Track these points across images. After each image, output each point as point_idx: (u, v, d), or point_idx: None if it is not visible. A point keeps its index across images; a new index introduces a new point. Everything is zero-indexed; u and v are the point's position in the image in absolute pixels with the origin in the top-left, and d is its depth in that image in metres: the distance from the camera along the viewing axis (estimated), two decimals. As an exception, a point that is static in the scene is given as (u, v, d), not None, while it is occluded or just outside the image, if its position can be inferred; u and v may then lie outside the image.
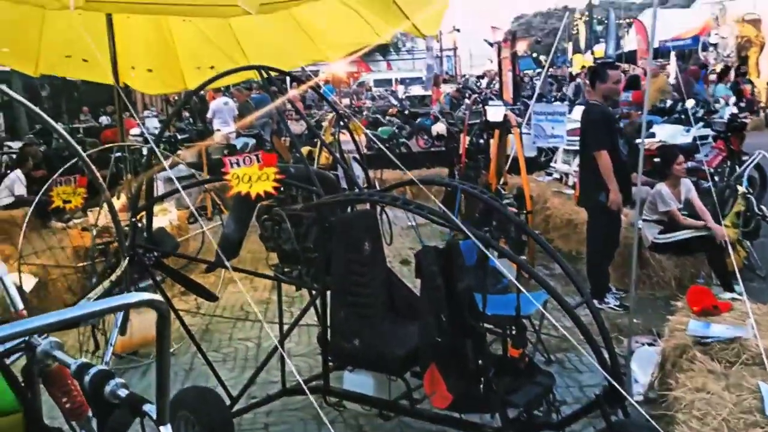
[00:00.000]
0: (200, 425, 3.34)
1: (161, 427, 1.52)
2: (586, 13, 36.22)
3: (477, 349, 3.20)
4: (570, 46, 37.86)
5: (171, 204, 7.44)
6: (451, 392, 3.18)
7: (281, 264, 3.80)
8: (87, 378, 1.66)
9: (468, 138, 8.50)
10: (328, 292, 3.52)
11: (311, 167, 4.08)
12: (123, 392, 1.61)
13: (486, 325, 3.84)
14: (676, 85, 13.81)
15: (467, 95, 21.00)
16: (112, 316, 4.21)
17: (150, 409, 1.56)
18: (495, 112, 6.92)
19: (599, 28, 36.20)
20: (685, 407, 2.99)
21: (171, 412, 3.51)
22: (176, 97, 18.19)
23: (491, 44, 22.52)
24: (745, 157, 8.26)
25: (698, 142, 8.30)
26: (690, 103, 10.32)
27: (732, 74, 17.67)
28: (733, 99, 13.56)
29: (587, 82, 7.64)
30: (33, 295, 5.34)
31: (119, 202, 6.66)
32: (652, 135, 9.05)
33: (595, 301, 5.40)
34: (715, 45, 23.24)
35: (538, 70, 30.55)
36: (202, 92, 19.91)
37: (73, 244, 5.94)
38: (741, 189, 6.46)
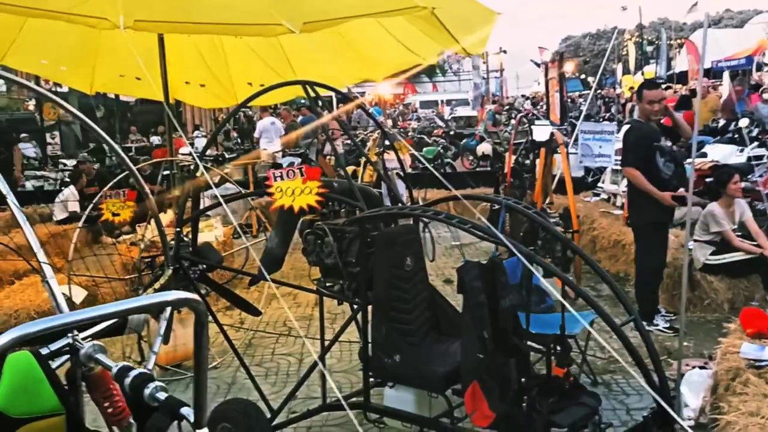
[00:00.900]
0: (241, 438, 3.33)
1: (198, 431, 1.52)
2: (636, 33, 35.80)
3: (520, 367, 3.13)
4: (620, 67, 37.41)
5: (217, 220, 7.55)
6: (493, 411, 3.11)
7: (323, 278, 3.80)
8: (127, 381, 1.67)
9: (513, 157, 8.42)
10: (369, 308, 3.50)
11: (355, 182, 4.10)
12: (162, 395, 1.62)
13: (530, 343, 3.79)
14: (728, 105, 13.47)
15: (513, 115, 20.89)
16: (156, 326, 4.28)
17: (188, 412, 1.57)
18: (541, 131, 6.86)
19: (649, 48, 35.73)
20: (738, 432, 2.87)
21: (211, 423, 3.53)
22: (225, 117, 18.60)
23: (538, 65, 22.43)
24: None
25: (753, 162, 8.06)
26: (744, 122, 10.04)
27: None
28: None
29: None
30: (83, 306, 5.46)
31: (166, 216, 6.79)
32: (704, 155, 8.83)
33: (644, 323, 5.25)
34: (769, 65, 22.67)
35: (586, 91, 30.25)
36: (251, 113, 20.31)
37: (122, 258, 6.07)
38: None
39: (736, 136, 9.56)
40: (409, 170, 8.08)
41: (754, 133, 9.86)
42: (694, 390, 3.96)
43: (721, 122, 11.57)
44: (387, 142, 6.63)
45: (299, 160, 11.49)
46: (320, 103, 4.17)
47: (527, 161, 9.02)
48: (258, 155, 11.99)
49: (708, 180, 6.72)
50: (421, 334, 3.70)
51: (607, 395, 4.30)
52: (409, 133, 19.12)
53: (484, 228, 3.11)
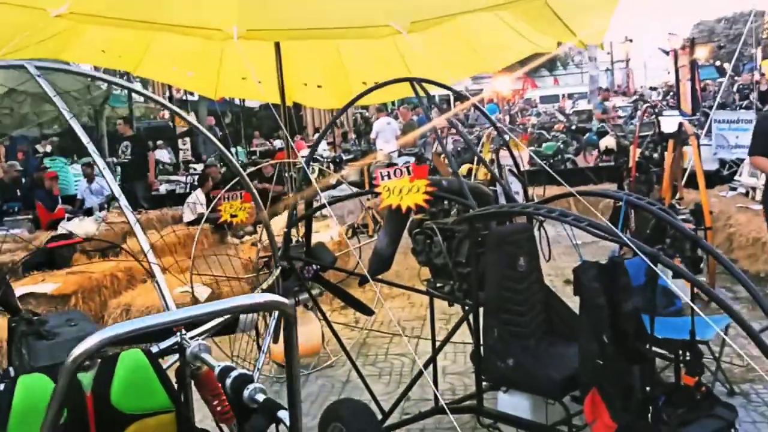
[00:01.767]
0: (351, 438, 3.34)
1: (293, 436, 1.50)
2: (777, 15, 33.09)
3: (644, 375, 2.91)
4: (759, 52, 34.69)
5: (333, 220, 7.66)
6: (615, 421, 2.92)
7: (434, 279, 3.73)
8: (228, 381, 1.69)
9: (639, 151, 7.97)
10: (481, 309, 3.40)
11: (465, 181, 4.00)
12: (260, 397, 1.61)
13: (656, 349, 3.54)
14: None
15: (639, 107, 19.86)
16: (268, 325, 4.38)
17: (285, 415, 1.55)
18: (669, 122, 6.45)
19: (792, 30, 32.87)
20: None
21: (323, 422, 3.55)
22: (343, 121, 18.94)
23: (666, 52, 21.20)
24: None
25: None
26: None
27: None
28: None
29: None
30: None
31: (283, 217, 6.96)
32: None
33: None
34: None
35: (721, 79, 28.28)
36: (368, 114, 20.58)
37: (242, 258, 6.29)
38: None
39: None
40: (527, 167, 7.82)
41: None
42: None
43: None
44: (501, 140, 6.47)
45: (414, 159, 11.48)
46: (430, 100, 4.09)
47: (654, 154, 8.53)
48: (374, 157, 12.11)
49: None
50: (537, 337, 3.55)
51: (745, 406, 3.95)
52: (528, 129, 18.64)
53: (602, 226, 2.93)
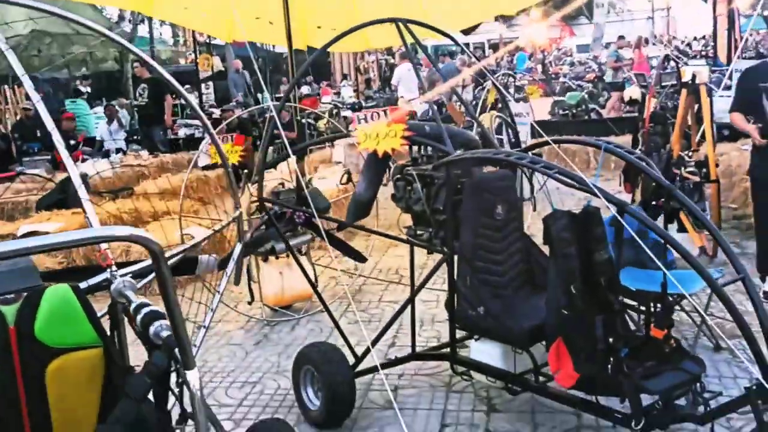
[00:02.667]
0: (321, 380, 3.38)
1: (187, 372, 1.50)
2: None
3: (608, 326, 2.87)
4: (810, 0, 33.05)
5: (341, 168, 7.65)
6: (578, 371, 2.90)
7: (414, 226, 3.70)
8: (139, 317, 1.70)
9: (655, 101, 7.71)
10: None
11: (451, 126, 3.92)
12: (165, 333, 1.62)
13: (629, 301, 3.48)
14: None
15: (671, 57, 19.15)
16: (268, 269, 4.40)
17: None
18: (688, 72, 6.20)
19: None
20: None
21: (296, 364, 3.58)
22: (366, 66, 18.71)
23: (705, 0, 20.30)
24: None
25: None
26: None
27: None
28: None
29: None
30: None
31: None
32: None
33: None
34: None
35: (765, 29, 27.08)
36: (393, 60, 20.26)
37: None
38: None
39: None
40: (540, 118, 7.67)
41: None
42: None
43: None
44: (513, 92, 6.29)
45: (434, 107, 11.30)
46: (418, 44, 4.00)
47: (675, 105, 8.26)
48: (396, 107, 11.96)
49: None
50: (514, 287, 3.52)
51: (729, 362, 3.88)
52: (560, 79, 18.19)
53: (572, 174, 2.85)
